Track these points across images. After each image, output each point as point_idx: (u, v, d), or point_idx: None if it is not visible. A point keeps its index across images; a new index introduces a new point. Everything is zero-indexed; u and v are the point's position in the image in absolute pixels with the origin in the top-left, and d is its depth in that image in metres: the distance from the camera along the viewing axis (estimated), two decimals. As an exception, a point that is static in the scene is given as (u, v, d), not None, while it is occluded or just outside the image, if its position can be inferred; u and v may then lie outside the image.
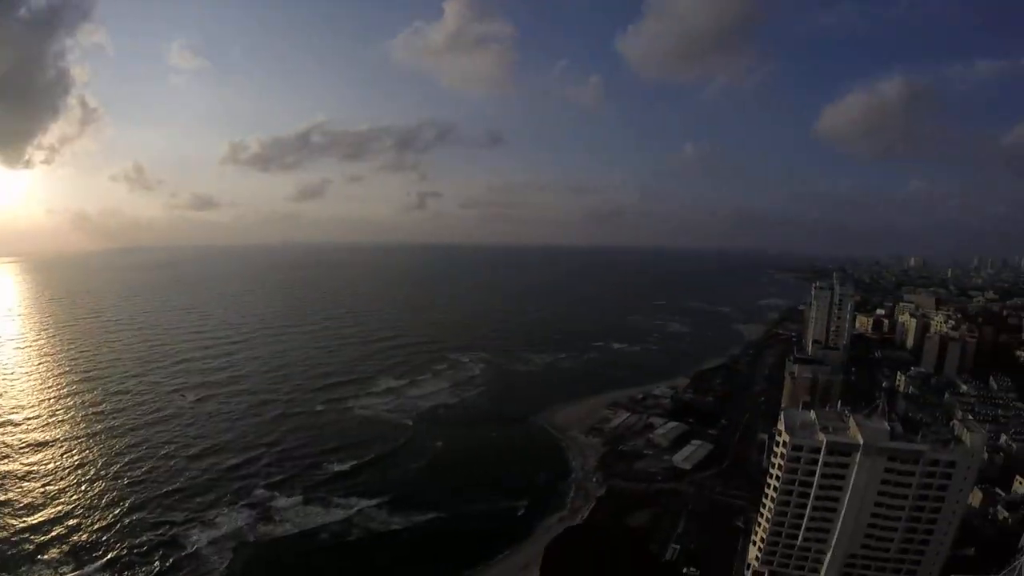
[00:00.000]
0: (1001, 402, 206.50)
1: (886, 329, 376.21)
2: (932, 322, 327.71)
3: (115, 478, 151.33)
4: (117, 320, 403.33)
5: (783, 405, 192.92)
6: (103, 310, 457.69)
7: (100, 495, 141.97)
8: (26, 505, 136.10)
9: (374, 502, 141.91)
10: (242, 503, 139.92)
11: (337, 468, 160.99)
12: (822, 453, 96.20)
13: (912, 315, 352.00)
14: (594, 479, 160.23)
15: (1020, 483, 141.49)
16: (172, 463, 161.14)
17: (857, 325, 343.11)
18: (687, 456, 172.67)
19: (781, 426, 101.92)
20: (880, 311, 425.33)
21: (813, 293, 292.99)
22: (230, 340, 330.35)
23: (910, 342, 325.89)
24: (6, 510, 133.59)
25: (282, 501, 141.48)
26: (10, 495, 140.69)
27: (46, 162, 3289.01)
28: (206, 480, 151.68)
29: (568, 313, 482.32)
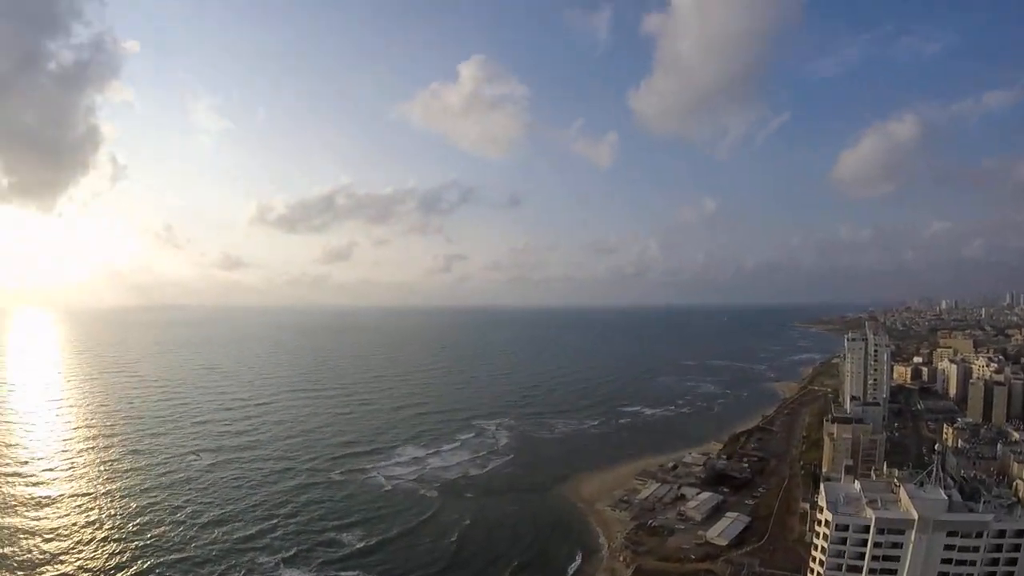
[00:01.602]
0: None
1: (926, 378, 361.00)
2: (973, 367, 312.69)
3: (122, 541, 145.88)
4: (141, 376, 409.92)
5: (824, 469, 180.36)
6: (127, 364, 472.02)
7: (105, 559, 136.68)
8: (24, 562, 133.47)
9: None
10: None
11: (355, 544, 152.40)
12: (871, 531, 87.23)
13: (952, 361, 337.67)
14: (621, 558, 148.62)
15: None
16: (182, 530, 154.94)
17: (895, 376, 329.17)
18: (722, 531, 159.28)
19: (822, 501, 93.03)
20: (918, 359, 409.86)
21: (846, 345, 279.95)
22: (253, 402, 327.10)
23: (952, 390, 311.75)
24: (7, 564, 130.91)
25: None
26: (10, 550, 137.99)
27: (78, 215, 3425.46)
28: (216, 551, 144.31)
29: (596, 376, 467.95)
